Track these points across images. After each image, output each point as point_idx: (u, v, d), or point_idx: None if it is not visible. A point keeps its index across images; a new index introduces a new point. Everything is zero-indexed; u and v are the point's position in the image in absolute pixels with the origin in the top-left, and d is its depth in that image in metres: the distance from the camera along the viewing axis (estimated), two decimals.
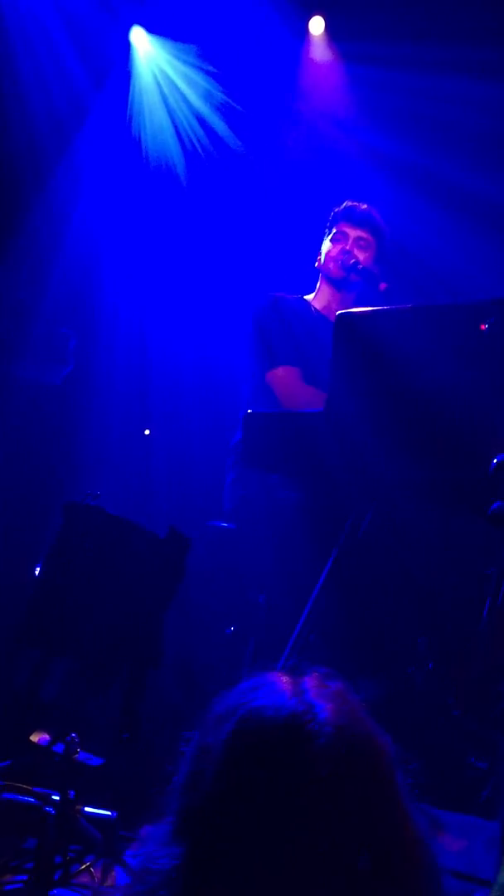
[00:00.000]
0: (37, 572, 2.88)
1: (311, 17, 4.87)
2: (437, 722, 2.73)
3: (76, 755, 2.31)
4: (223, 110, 4.90)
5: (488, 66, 4.39)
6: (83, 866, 2.24)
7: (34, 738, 2.46)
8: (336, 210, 3.69)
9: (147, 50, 4.91)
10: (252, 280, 4.36)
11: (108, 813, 2.33)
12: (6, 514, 4.07)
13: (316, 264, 3.72)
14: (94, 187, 4.80)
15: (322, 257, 3.67)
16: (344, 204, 3.68)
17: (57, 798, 2.23)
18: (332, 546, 2.80)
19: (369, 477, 2.69)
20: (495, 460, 2.31)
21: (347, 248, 3.58)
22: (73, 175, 4.75)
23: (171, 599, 2.81)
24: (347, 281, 3.59)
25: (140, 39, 4.87)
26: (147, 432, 4.82)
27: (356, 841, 0.88)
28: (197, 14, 4.70)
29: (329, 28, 4.88)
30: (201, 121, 4.91)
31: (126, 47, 4.87)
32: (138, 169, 4.90)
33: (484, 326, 2.49)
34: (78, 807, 2.21)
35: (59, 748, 2.35)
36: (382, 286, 3.40)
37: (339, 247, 3.60)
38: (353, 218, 3.62)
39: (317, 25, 4.89)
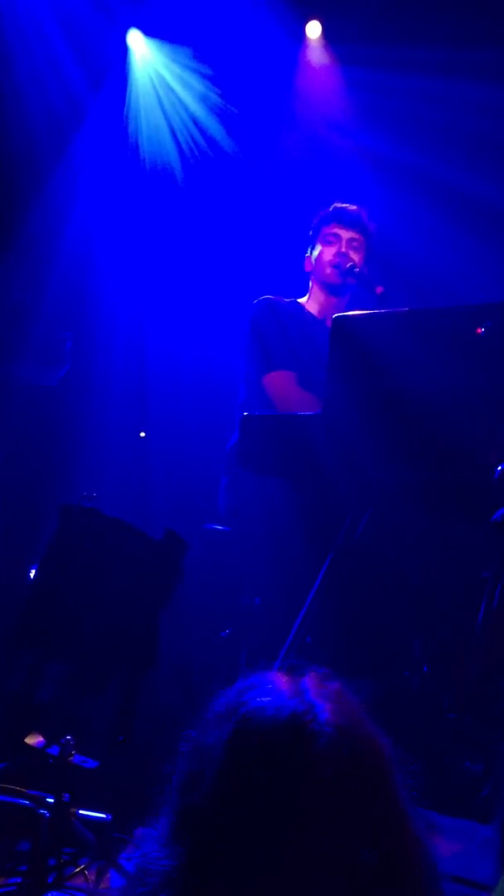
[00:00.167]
0: (32, 574, 2.87)
1: (307, 21, 4.88)
2: (432, 725, 2.73)
3: (71, 758, 2.31)
4: (220, 113, 4.91)
5: (485, 69, 4.39)
6: (77, 869, 2.23)
7: (29, 740, 2.45)
8: (324, 212, 3.63)
9: (144, 53, 4.91)
10: (249, 283, 4.35)
11: (103, 815, 2.32)
12: (2, 515, 4.07)
13: (307, 268, 3.69)
14: (92, 189, 4.80)
15: (314, 261, 3.63)
16: (333, 205, 3.63)
17: (51, 800, 2.23)
18: (328, 549, 2.80)
19: (366, 479, 2.69)
20: (500, 467, 2.32)
21: (343, 251, 3.56)
22: (71, 177, 4.76)
23: (168, 602, 2.81)
24: (344, 285, 3.58)
25: (137, 42, 4.88)
26: (142, 434, 4.81)
27: (357, 841, 0.88)
28: (194, 17, 4.70)
29: (326, 32, 4.89)
30: (198, 124, 4.92)
31: (123, 50, 4.88)
32: (135, 171, 4.90)
33: (480, 330, 2.50)
34: (72, 809, 2.21)
35: (54, 751, 2.35)
36: (379, 289, 3.38)
37: (333, 250, 3.56)
38: (344, 219, 3.58)
39: (313, 29, 4.90)
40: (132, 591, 2.72)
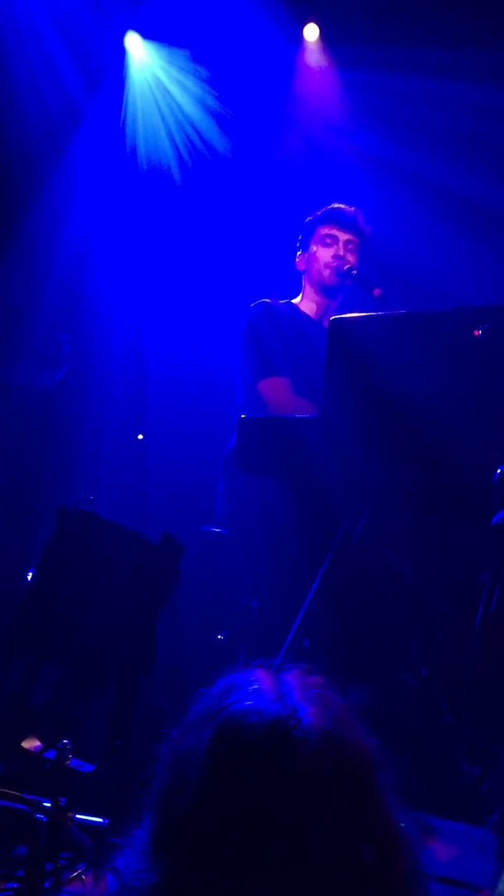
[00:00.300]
0: (30, 576, 2.87)
1: (305, 24, 4.88)
2: (430, 727, 2.72)
3: (68, 762, 2.30)
4: (218, 116, 4.91)
5: (482, 70, 4.40)
6: (74, 874, 2.23)
7: (25, 744, 2.45)
8: (320, 212, 3.61)
9: (141, 55, 4.91)
10: (247, 285, 4.35)
11: (100, 820, 2.32)
12: None
13: (300, 267, 3.66)
14: (89, 192, 4.80)
15: (308, 262, 3.62)
16: (329, 206, 3.61)
17: (48, 805, 2.22)
18: (326, 551, 2.79)
19: (363, 482, 2.69)
20: (499, 470, 2.32)
21: (340, 253, 3.55)
22: (68, 179, 4.76)
23: (165, 604, 2.80)
24: (342, 286, 3.58)
25: (134, 44, 4.88)
26: (140, 437, 4.81)
27: (342, 848, 0.86)
28: (192, 20, 4.71)
29: (323, 34, 4.89)
30: (195, 126, 4.92)
31: (121, 52, 4.88)
32: (133, 173, 4.90)
33: (478, 332, 2.49)
34: (69, 814, 2.20)
35: (51, 754, 2.34)
36: (377, 291, 3.38)
37: (330, 252, 3.55)
38: (341, 221, 3.55)
39: (311, 32, 4.90)
40: (129, 593, 2.71)
